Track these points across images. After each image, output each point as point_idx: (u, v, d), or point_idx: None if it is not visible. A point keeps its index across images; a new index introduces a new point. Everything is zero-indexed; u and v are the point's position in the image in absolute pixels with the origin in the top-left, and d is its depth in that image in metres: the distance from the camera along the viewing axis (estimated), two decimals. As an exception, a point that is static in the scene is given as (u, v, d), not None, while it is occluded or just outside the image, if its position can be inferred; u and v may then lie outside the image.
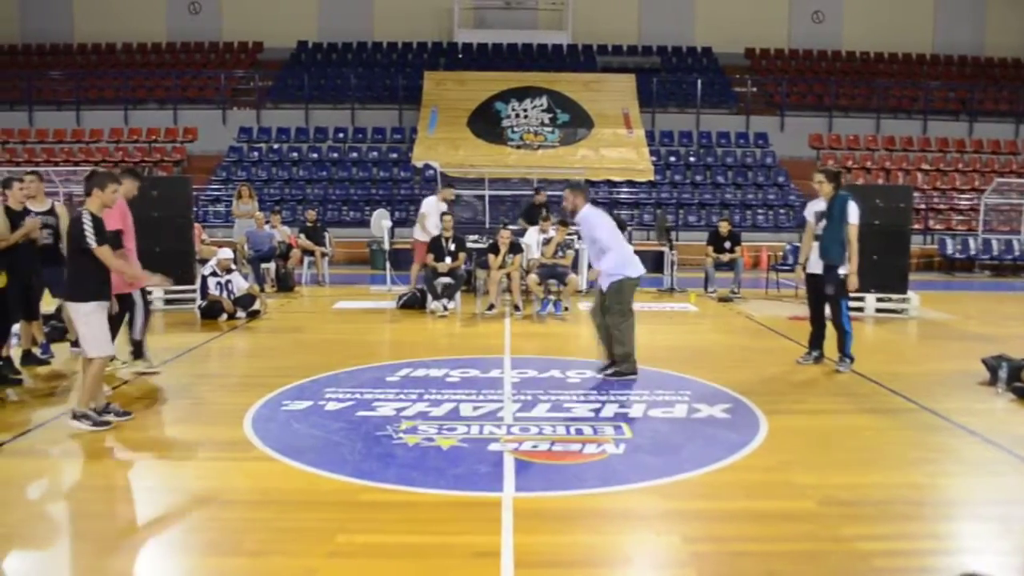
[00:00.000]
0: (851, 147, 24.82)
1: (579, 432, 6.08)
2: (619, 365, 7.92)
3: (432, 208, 12.99)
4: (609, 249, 7.82)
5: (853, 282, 8.24)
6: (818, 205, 8.56)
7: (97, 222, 6.09)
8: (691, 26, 28.65)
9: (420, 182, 22.56)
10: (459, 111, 23.86)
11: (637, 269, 7.97)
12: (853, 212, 8.25)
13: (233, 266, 11.69)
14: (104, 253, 6.06)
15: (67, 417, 6.16)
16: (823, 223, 8.40)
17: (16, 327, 8.26)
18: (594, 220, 7.93)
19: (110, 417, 6.21)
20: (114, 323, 7.42)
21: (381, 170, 23.35)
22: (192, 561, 4.11)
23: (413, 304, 12.24)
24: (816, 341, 8.77)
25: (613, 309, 7.88)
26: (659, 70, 26.85)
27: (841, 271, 8.27)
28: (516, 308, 11.79)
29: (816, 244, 8.47)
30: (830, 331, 8.57)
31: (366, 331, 10.89)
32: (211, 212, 20.97)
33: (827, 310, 8.56)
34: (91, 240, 5.99)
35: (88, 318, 6.11)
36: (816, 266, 8.48)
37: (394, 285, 14.21)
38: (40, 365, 8.30)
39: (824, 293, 8.42)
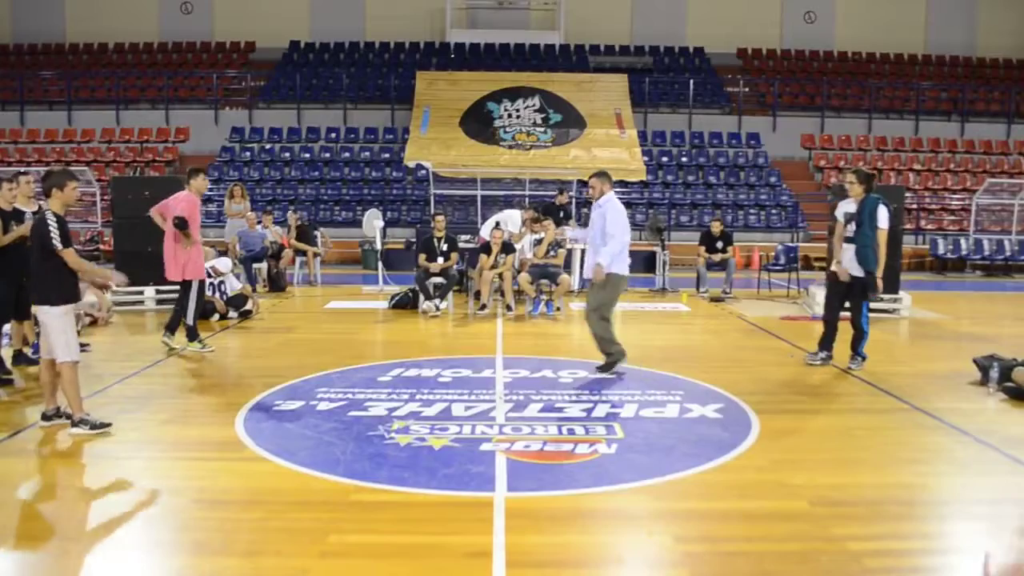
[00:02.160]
0: (843, 147, 24.88)
1: (571, 432, 6.08)
2: (608, 356, 7.99)
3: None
4: (615, 237, 7.93)
5: (878, 284, 8.29)
6: (848, 206, 8.55)
7: (62, 223, 5.98)
8: (683, 26, 28.69)
9: (412, 182, 22.57)
10: (451, 111, 23.83)
11: (627, 267, 8.14)
12: (883, 217, 8.24)
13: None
14: (70, 255, 5.96)
15: (68, 426, 6.12)
16: (852, 226, 8.41)
17: (7, 327, 8.24)
18: (618, 207, 8.10)
19: (62, 421, 6.18)
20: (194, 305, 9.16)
21: (373, 170, 23.34)
22: (184, 561, 4.09)
23: (405, 304, 12.23)
24: (827, 342, 8.75)
25: (597, 302, 8.00)
26: (651, 70, 26.88)
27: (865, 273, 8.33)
28: (508, 308, 11.79)
29: (847, 247, 8.45)
30: (842, 334, 8.61)
31: (358, 331, 10.87)
32: (203, 212, 20.88)
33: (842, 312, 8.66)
34: (56, 242, 5.89)
35: (58, 322, 6.01)
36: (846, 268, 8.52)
37: (386, 285, 14.20)
38: (31, 365, 8.25)
39: (847, 295, 8.49)
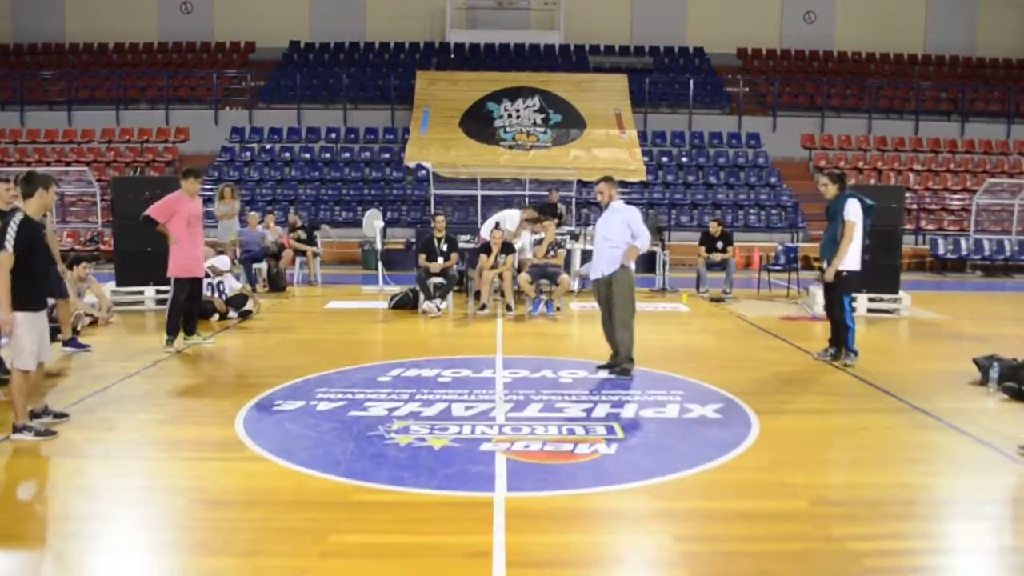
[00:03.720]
0: (843, 147, 24.88)
1: (571, 432, 6.08)
2: (624, 362, 7.96)
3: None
4: (643, 236, 7.96)
5: (829, 274, 8.40)
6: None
7: (26, 227, 5.75)
8: (683, 26, 28.69)
9: (412, 182, 22.57)
10: (451, 111, 23.84)
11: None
12: (849, 209, 8.37)
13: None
14: (2, 260, 5.64)
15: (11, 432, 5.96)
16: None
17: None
18: (636, 210, 8.17)
19: (48, 419, 6.13)
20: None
21: (373, 170, 23.34)
22: (183, 561, 4.09)
23: (405, 304, 12.22)
24: (832, 339, 8.89)
25: (623, 301, 7.98)
26: (651, 70, 26.88)
27: (842, 267, 8.39)
28: (508, 308, 11.78)
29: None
30: None
31: (358, 331, 10.86)
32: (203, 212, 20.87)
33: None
34: (8, 242, 5.65)
35: (20, 327, 5.79)
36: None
37: (386, 285, 14.19)
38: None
39: (832, 291, 8.61)
